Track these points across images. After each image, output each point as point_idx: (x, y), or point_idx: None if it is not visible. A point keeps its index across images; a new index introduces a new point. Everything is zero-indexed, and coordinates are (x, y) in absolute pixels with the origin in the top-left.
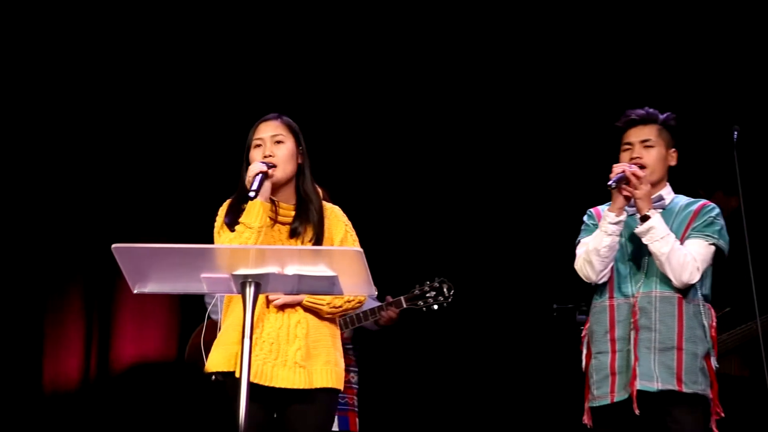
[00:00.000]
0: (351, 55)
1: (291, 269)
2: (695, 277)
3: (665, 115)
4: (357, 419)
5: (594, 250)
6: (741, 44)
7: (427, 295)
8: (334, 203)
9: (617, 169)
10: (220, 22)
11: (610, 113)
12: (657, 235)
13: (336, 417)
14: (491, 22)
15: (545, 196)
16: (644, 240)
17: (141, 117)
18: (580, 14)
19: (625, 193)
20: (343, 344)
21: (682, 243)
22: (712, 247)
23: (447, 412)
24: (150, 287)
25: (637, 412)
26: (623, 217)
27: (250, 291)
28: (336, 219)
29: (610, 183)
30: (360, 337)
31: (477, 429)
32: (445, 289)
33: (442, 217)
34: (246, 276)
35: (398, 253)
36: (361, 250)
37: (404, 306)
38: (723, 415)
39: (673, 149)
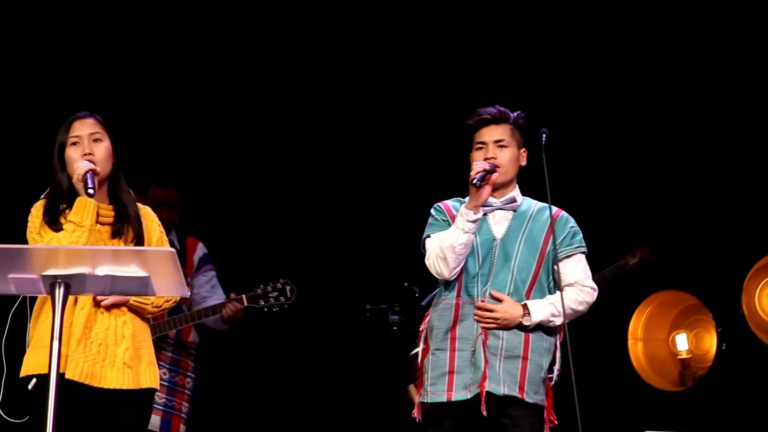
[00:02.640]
0: (184, 50)
1: (102, 270)
2: (595, 295)
3: (515, 114)
4: (182, 426)
5: (449, 247)
6: (551, 47)
7: (269, 295)
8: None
9: (478, 167)
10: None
11: (418, 115)
12: (546, 318)
13: (159, 419)
14: (331, 21)
15: (364, 199)
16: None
17: None
18: (392, 12)
19: (487, 188)
20: (188, 349)
21: (541, 256)
22: (583, 254)
23: (276, 415)
24: None
25: (485, 413)
26: (480, 215)
27: (59, 292)
28: (151, 220)
29: (474, 181)
30: (208, 344)
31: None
32: (287, 291)
33: (272, 218)
34: (55, 277)
35: (244, 254)
36: (174, 250)
37: (245, 304)
38: (556, 422)
39: (524, 149)
